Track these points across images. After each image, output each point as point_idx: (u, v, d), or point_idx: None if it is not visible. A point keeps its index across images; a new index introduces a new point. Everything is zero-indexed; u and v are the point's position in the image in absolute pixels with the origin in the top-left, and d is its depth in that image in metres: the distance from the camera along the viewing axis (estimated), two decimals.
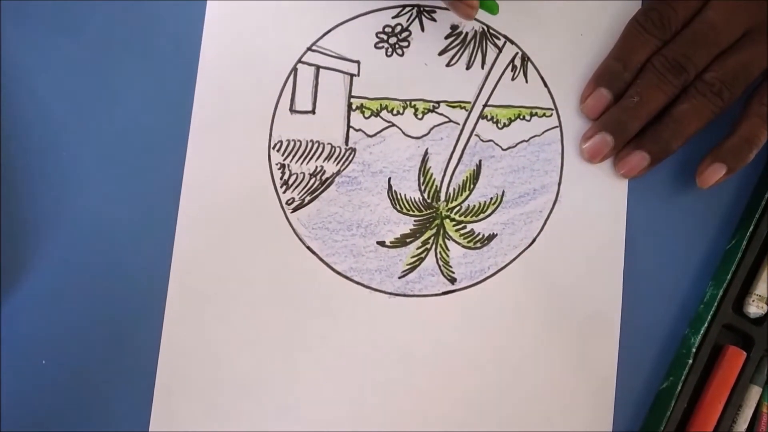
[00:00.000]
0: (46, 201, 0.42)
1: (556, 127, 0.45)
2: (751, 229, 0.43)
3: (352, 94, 0.44)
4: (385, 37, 0.45)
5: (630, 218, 0.44)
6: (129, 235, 0.42)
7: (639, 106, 0.43)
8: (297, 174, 0.43)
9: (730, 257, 0.43)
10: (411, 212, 0.44)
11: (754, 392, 0.42)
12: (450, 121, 0.44)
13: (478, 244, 0.44)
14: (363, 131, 0.44)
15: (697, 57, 0.43)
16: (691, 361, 0.41)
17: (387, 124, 0.44)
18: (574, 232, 0.44)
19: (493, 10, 0.42)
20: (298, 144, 0.44)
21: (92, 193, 0.43)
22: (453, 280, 0.43)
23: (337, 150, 0.44)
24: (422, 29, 0.45)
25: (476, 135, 0.45)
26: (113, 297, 0.42)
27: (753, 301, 0.42)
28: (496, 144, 0.45)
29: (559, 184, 0.44)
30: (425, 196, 0.44)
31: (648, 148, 0.43)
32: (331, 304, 0.42)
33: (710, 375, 0.42)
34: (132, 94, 0.44)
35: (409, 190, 0.44)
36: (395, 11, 0.45)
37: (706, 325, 0.42)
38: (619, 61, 0.44)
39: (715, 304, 0.42)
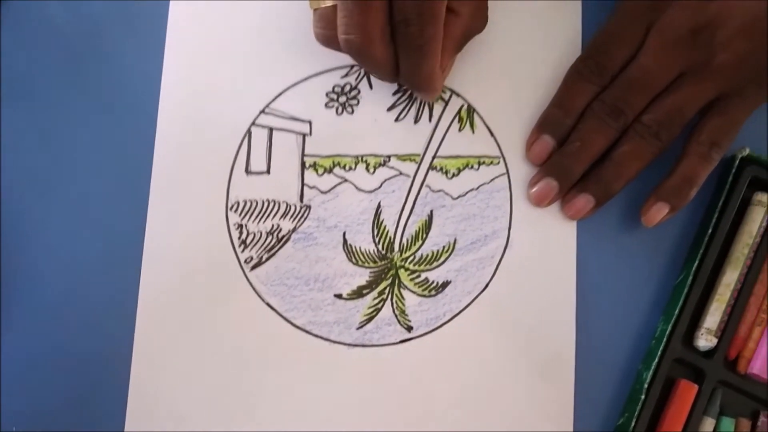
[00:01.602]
0: (12, 264, 0.44)
1: (504, 174, 0.46)
2: (696, 264, 0.44)
3: (305, 152, 0.46)
4: (335, 97, 0.47)
5: (580, 259, 0.46)
6: (93, 295, 0.44)
7: (581, 150, 0.45)
8: (254, 233, 0.45)
9: (678, 292, 0.44)
10: (366, 264, 0.45)
11: (708, 424, 0.43)
12: (401, 173, 0.46)
13: (433, 292, 0.45)
14: (317, 188, 0.46)
15: (633, 100, 0.44)
16: (644, 397, 0.42)
17: (340, 180, 0.46)
18: (526, 275, 0.45)
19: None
20: (254, 204, 0.45)
21: (56, 256, 0.45)
22: (410, 329, 0.45)
23: (293, 208, 0.45)
24: (370, 87, 0.47)
25: (427, 186, 0.46)
26: (77, 359, 0.44)
27: (702, 334, 0.43)
28: (447, 193, 0.46)
29: (510, 229, 0.46)
30: (380, 247, 0.45)
31: (592, 191, 0.45)
32: (292, 358, 0.44)
33: (664, 409, 0.43)
34: (93, 160, 0.46)
35: (364, 243, 0.45)
36: (344, 71, 0.47)
37: (657, 360, 0.43)
38: (560, 108, 0.46)
39: (665, 338, 0.43)
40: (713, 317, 0.43)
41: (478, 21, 0.44)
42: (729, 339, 0.43)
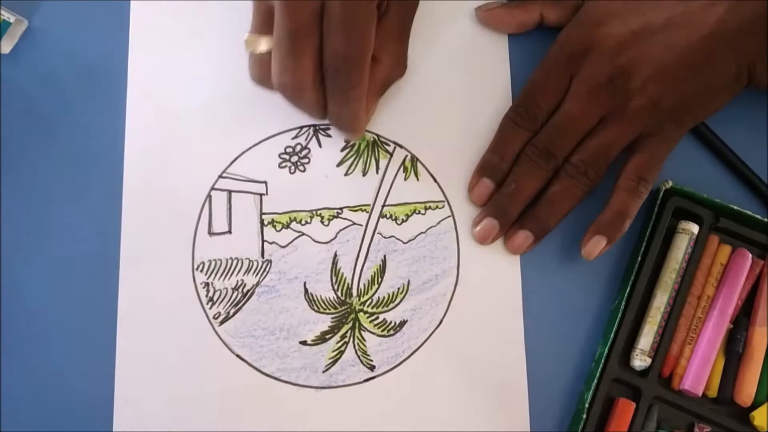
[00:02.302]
0: None
1: (449, 216, 0.50)
2: (629, 290, 0.48)
3: (263, 211, 0.50)
4: (287, 157, 0.50)
5: (525, 290, 0.49)
6: (71, 360, 0.47)
7: (516, 191, 0.48)
8: (220, 290, 0.49)
9: (613, 317, 0.48)
10: (327, 311, 0.49)
11: None
12: (353, 224, 0.50)
13: (392, 332, 0.49)
14: (276, 243, 0.49)
15: (562, 143, 0.48)
16: (585, 416, 0.46)
17: (297, 234, 0.50)
18: (477, 309, 0.49)
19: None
20: (218, 263, 0.49)
21: (30, 317, 0.48)
22: (372, 368, 0.48)
23: (255, 263, 0.49)
24: (320, 146, 0.51)
25: (378, 233, 0.50)
26: (58, 413, 0.47)
27: (637, 355, 0.47)
28: (397, 239, 0.50)
29: (458, 268, 0.50)
30: (339, 294, 0.49)
31: (530, 228, 0.49)
32: (264, 404, 0.48)
33: (605, 427, 0.47)
34: (65, 226, 0.49)
35: (324, 291, 0.49)
36: (294, 132, 0.51)
37: (596, 380, 0.47)
38: (496, 154, 0.49)
39: (603, 360, 0.47)
40: (646, 338, 0.47)
41: (399, 68, 0.49)
42: (662, 358, 0.47)
